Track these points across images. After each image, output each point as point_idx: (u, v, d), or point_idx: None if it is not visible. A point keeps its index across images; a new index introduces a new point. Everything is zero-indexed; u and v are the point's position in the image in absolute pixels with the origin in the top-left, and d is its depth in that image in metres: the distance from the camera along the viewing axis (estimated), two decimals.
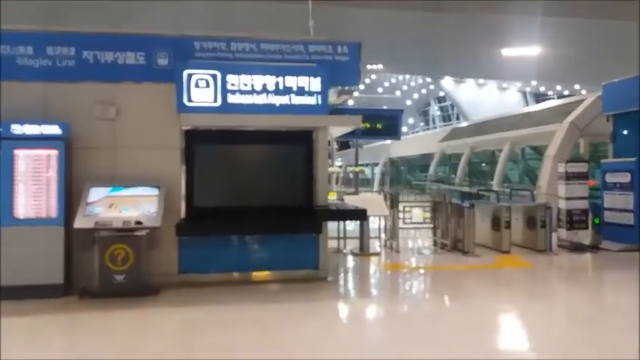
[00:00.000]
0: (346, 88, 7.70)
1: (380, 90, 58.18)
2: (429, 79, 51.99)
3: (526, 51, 25.48)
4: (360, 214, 7.17)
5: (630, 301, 6.02)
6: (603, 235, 9.56)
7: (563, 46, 23.58)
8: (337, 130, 8.09)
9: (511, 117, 17.93)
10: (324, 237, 6.90)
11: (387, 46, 32.91)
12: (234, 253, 6.89)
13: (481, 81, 48.94)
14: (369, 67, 47.22)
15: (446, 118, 50.97)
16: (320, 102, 6.76)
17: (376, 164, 31.51)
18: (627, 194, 9.28)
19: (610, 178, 9.75)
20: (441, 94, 53.79)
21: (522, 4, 17.85)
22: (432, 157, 22.17)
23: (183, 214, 6.68)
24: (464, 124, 27.33)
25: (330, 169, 32.56)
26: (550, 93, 42.16)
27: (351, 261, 8.67)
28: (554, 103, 17.23)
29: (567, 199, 9.36)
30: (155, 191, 6.46)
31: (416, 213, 10.84)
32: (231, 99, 6.56)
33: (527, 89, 48.02)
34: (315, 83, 6.74)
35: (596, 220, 9.48)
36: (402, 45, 30.91)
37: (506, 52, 25.73)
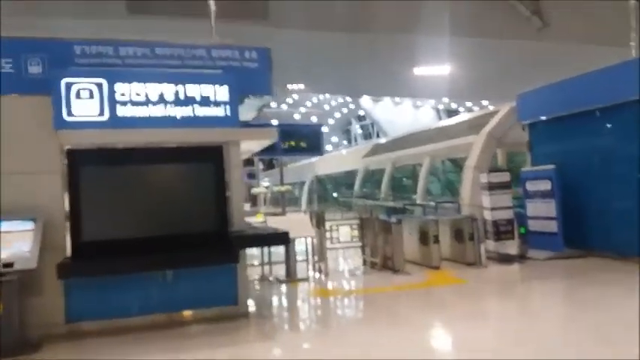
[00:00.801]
0: (263, 100, 6.93)
1: (303, 110, 58.47)
2: (348, 98, 53.00)
3: (437, 70, 26.57)
4: (282, 238, 6.31)
5: (566, 312, 5.75)
6: (529, 244, 9.47)
7: (472, 65, 24.79)
8: (254, 146, 7.28)
9: (429, 131, 18.11)
10: (242, 267, 6.03)
11: (307, 66, 33.08)
12: (136, 294, 5.79)
13: (397, 99, 50.62)
14: (289, 86, 47.28)
15: (367, 136, 51.98)
16: (229, 113, 5.95)
17: (304, 183, 30.95)
18: (549, 202, 9.27)
19: (531, 186, 9.73)
20: (361, 112, 54.93)
21: (431, 24, 18.40)
22: (357, 173, 21.95)
23: (69, 251, 5.54)
24: (384, 139, 27.61)
25: (256, 190, 31.59)
26: (461, 109, 44.24)
27: (277, 289, 7.84)
28: (468, 115, 17.57)
29: (492, 209, 9.18)
30: (30, 225, 5.32)
31: (344, 231, 10.16)
32: (122, 111, 5.58)
33: (440, 106, 50.27)
34: (221, 92, 5.93)
35: (522, 230, 9.38)
36: (320, 64, 31.20)
37: (419, 71, 26.70)
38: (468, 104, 42.53)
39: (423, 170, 15.86)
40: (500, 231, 9.20)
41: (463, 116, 17.44)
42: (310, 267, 8.88)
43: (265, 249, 8.68)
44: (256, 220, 10.36)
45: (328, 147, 50.34)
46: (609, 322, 5.34)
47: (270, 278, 8.46)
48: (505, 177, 9.34)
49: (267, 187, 30.08)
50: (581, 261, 8.83)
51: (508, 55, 20.94)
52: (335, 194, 27.92)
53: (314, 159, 30.25)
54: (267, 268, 8.71)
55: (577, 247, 9.14)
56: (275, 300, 7.47)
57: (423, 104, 51.76)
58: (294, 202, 32.35)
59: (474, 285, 7.64)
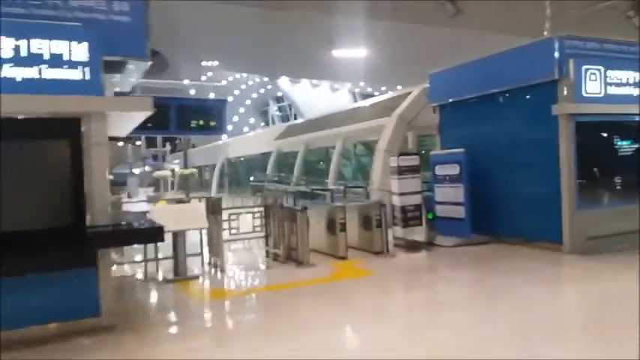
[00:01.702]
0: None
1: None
2: (266, 79, 51.67)
3: (354, 53, 26.45)
4: (154, 234, 5.09)
5: (473, 305, 5.34)
6: (437, 230, 9.18)
7: (388, 49, 24.71)
8: (129, 121, 6.08)
9: (342, 113, 17.60)
10: (104, 270, 4.92)
11: (222, 42, 31.52)
12: None
13: (315, 82, 50.25)
14: (204, 63, 45.11)
15: (284, 118, 51.13)
16: (89, 77, 4.79)
17: (215, 166, 29.39)
18: (457, 186, 8.99)
19: (440, 170, 9.43)
20: (279, 94, 54.03)
21: (345, 5, 17.85)
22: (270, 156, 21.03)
23: None
24: (299, 121, 26.88)
25: (159, 173, 29.51)
26: (376, 94, 44.71)
27: (161, 291, 6.77)
28: (382, 97, 17.24)
29: (401, 194, 8.75)
30: None
31: (246, 221, 9.20)
32: None
33: (357, 90, 50.49)
34: (79, 50, 4.75)
35: (430, 216, 9.06)
36: (236, 42, 29.85)
37: (337, 53, 26.51)
38: (384, 88, 43.03)
39: (335, 153, 15.33)
40: (408, 217, 8.80)
41: (377, 98, 17.07)
42: (207, 262, 7.91)
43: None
44: (158, 206, 9.12)
45: (245, 128, 48.84)
46: (517, 313, 5.10)
47: (158, 277, 7.36)
48: (414, 160, 8.92)
49: (172, 171, 28.28)
50: (488, 247, 8.68)
51: (423, 41, 20.97)
52: (251, 178, 26.87)
53: (226, 140, 28.81)
54: (154, 264, 7.57)
55: (485, 232, 9.00)
56: (153, 306, 6.41)
57: (341, 87, 51.77)
58: (206, 185, 30.78)
59: (381, 277, 7.11)
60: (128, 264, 8.22)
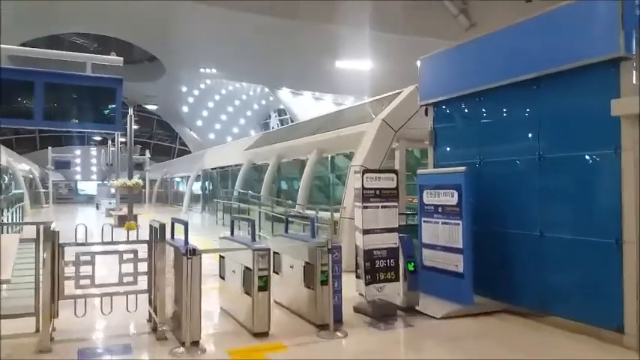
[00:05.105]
0: None
1: (217, 97, 53.98)
2: (267, 90, 49.45)
3: (359, 64, 25.24)
4: None
5: None
6: (422, 289, 6.04)
7: (395, 63, 23.17)
8: None
9: (321, 118, 14.52)
10: None
11: (222, 50, 29.56)
12: None
13: (317, 95, 47.93)
14: (202, 71, 42.81)
15: None
16: None
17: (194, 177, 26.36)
18: (454, 223, 5.89)
19: (429, 198, 6.33)
20: (281, 106, 51.94)
21: (352, 16, 17.35)
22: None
23: None
24: (276, 129, 24.10)
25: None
26: None
27: None
28: (369, 100, 14.17)
29: (365, 232, 5.65)
30: None
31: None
32: None
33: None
34: None
35: (410, 266, 5.89)
36: (236, 49, 27.92)
37: (340, 64, 25.30)
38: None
39: (307, 167, 12.24)
40: (377, 267, 5.69)
41: (365, 102, 13.97)
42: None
43: None
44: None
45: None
46: None
47: None
48: (389, 181, 5.82)
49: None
50: (497, 321, 5.52)
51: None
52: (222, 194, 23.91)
53: (206, 150, 25.96)
54: None
55: (490, 294, 5.89)
56: None
57: (344, 101, 49.34)
58: (178, 200, 27.80)
59: None
60: None
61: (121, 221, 14.14)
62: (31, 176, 30.22)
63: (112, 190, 21.55)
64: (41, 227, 4.61)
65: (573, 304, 5.13)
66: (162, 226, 5.11)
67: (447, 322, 5.51)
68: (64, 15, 23.19)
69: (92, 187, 37.23)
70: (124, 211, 16.09)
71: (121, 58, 6.71)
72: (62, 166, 37.55)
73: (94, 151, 46.39)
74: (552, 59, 5.30)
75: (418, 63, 7.30)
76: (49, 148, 37.53)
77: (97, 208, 26.93)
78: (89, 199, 35.40)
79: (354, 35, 20.98)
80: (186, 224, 5.04)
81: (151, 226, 5.38)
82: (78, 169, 45.82)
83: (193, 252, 4.64)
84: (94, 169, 46.49)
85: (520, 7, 12.99)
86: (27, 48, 6.65)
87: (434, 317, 5.59)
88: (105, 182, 26.71)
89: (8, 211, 12.29)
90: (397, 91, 10.37)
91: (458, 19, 16.73)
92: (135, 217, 14.62)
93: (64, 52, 6.35)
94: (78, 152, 45.84)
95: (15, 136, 45.14)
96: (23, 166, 27.64)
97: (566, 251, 5.23)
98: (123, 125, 6.84)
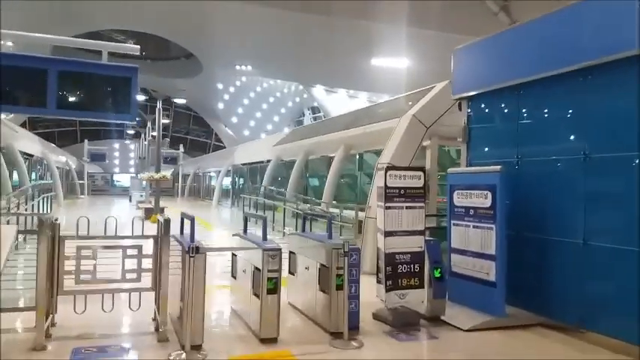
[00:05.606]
0: None
1: (252, 95, 54.28)
2: (301, 87, 49.38)
3: (394, 62, 24.80)
4: None
5: None
6: (450, 296, 5.55)
7: (432, 61, 22.51)
8: None
9: (351, 114, 14.05)
10: None
11: (257, 47, 29.66)
12: None
13: (352, 92, 47.50)
14: (237, 68, 43.05)
15: None
16: None
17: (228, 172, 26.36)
18: (486, 227, 5.36)
19: (460, 199, 5.81)
20: (315, 104, 51.77)
21: (389, 11, 16.96)
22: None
23: None
24: (307, 124, 23.87)
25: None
26: None
27: None
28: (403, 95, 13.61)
29: (387, 234, 5.20)
30: None
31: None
32: None
33: None
34: None
35: (437, 273, 5.41)
36: (271, 46, 27.96)
37: (376, 61, 24.91)
38: None
39: (334, 164, 11.83)
40: (399, 272, 5.23)
41: (396, 97, 13.41)
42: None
43: None
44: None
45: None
46: None
47: None
48: (415, 180, 5.35)
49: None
50: (533, 336, 4.98)
51: None
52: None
53: (237, 146, 25.93)
54: None
55: (525, 306, 5.35)
56: None
57: (379, 99, 48.71)
58: (211, 194, 27.87)
59: None
60: None
61: (147, 213, 14.10)
62: (67, 168, 30.98)
63: (144, 183, 21.75)
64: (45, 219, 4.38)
65: (619, 321, 4.55)
66: (168, 221, 4.81)
67: (475, 334, 5.00)
68: (101, 12, 23.56)
69: (128, 180, 37.99)
70: (152, 203, 16.11)
71: (138, 47, 6.47)
72: (98, 158, 38.42)
73: (131, 144, 47.32)
74: (603, 48, 4.71)
75: (452, 55, 6.76)
76: (86, 140, 38.56)
77: (130, 200, 27.34)
78: (124, 191, 36.09)
79: (390, 32, 20.55)
80: (192, 219, 4.72)
81: (158, 220, 5.10)
82: (116, 162, 46.83)
83: (196, 250, 4.31)
84: (131, 162, 47.46)
85: (563, 5, 12.30)
86: (45, 35, 6.47)
87: (460, 329, 5.10)
88: (137, 175, 27.05)
89: (33, 200, 12.34)
90: (430, 85, 9.83)
91: (498, 17, 16.11)
92: (162, 210, 14.57)
93: (79, 39, 6.16)
94: (116, 145, 46.86)
95: (58, 129, 46.55)
96: (59, 158, 28.31)
97: (612, 262, 4.64)
98: (138, 116, 6.64)
